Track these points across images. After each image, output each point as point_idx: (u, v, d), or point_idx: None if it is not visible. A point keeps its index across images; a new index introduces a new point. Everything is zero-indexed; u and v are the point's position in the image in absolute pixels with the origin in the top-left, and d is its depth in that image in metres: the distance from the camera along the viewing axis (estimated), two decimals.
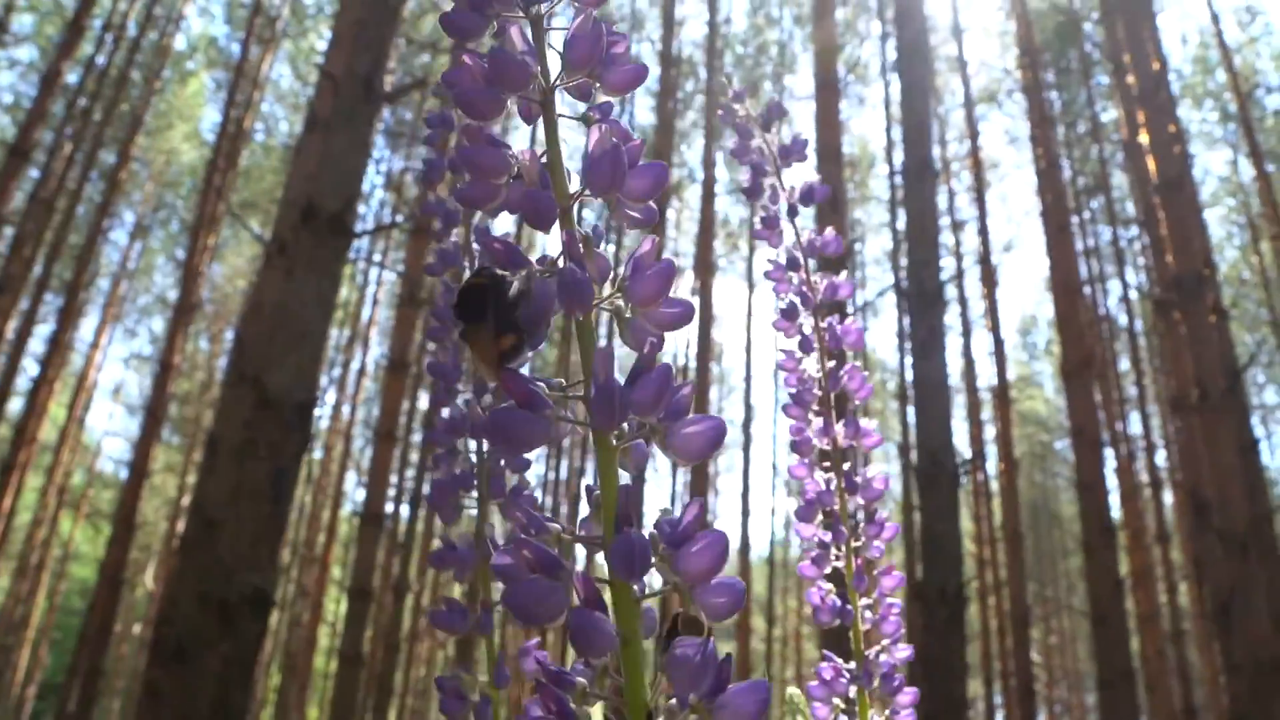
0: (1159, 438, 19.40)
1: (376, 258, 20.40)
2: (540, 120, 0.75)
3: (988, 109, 21.64)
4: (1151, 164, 7.98)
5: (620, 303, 0.73)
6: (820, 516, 1.47)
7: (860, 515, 1.46)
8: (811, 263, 1.55)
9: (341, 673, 11.08)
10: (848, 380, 1.50)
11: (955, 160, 21.81)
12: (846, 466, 1.43)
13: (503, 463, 1.47)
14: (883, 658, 1.18)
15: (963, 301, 19.14)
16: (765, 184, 1.60)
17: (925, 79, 9.95)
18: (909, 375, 17.08)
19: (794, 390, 1.50)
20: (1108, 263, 19.71)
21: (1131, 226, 19.26)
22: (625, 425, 0.69)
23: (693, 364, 18.36)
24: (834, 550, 1.40)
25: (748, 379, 23.75)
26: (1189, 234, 7.99)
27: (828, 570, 1.35)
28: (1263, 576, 6.11)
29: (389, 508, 15.38)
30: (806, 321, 1.49)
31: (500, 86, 0.74)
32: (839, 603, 1.32)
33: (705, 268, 17.91)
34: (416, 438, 17.15)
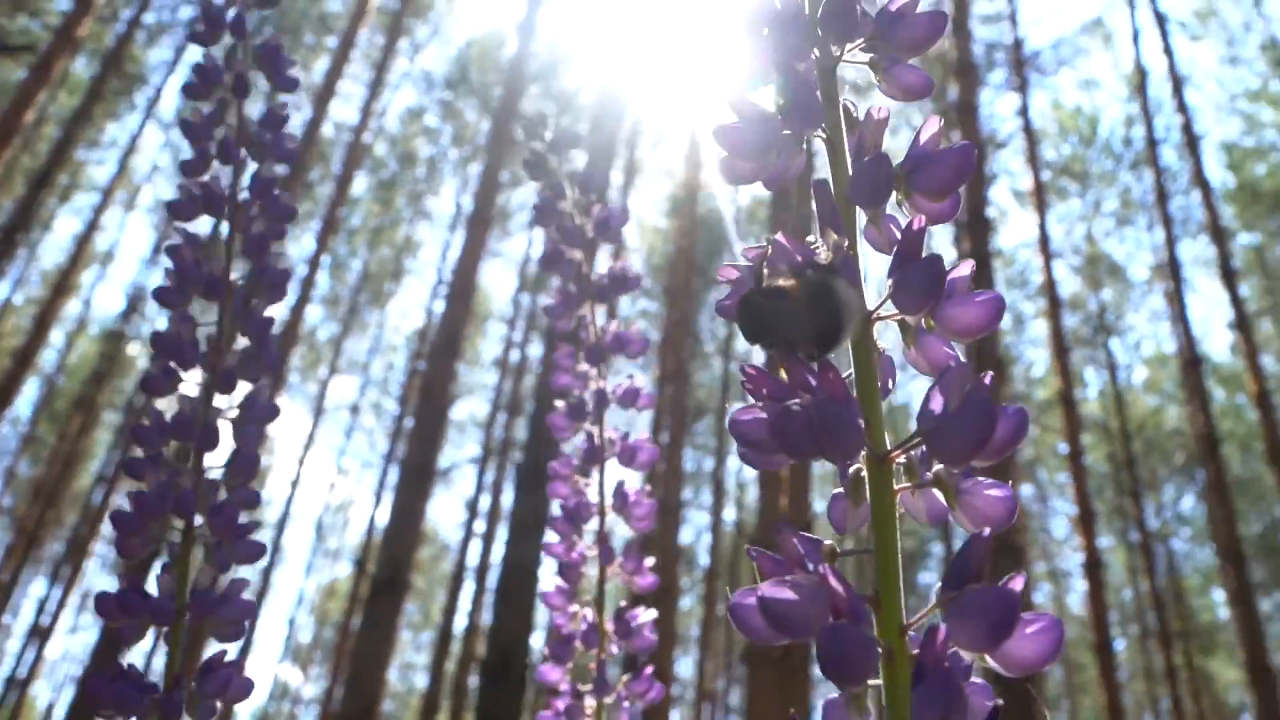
0: (720, 683, 20.61)
1: None
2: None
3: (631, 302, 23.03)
4: None
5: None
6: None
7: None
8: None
9: None
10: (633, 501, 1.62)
11: None
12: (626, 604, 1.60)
13: (223, 493, 1.23)
14: None
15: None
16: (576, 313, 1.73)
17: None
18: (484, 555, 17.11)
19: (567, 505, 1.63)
20: (705, 489, 21.17)
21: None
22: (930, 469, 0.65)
23: None
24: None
25: (284, 519, 22.77)
26: (803, 476, 8.73)
27: None
28: None
29: None
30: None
31: None
32: None
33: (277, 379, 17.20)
34: None
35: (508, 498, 20.25)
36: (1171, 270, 17.16)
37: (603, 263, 1.75)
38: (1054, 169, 23.26)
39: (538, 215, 1.75)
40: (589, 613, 1.57)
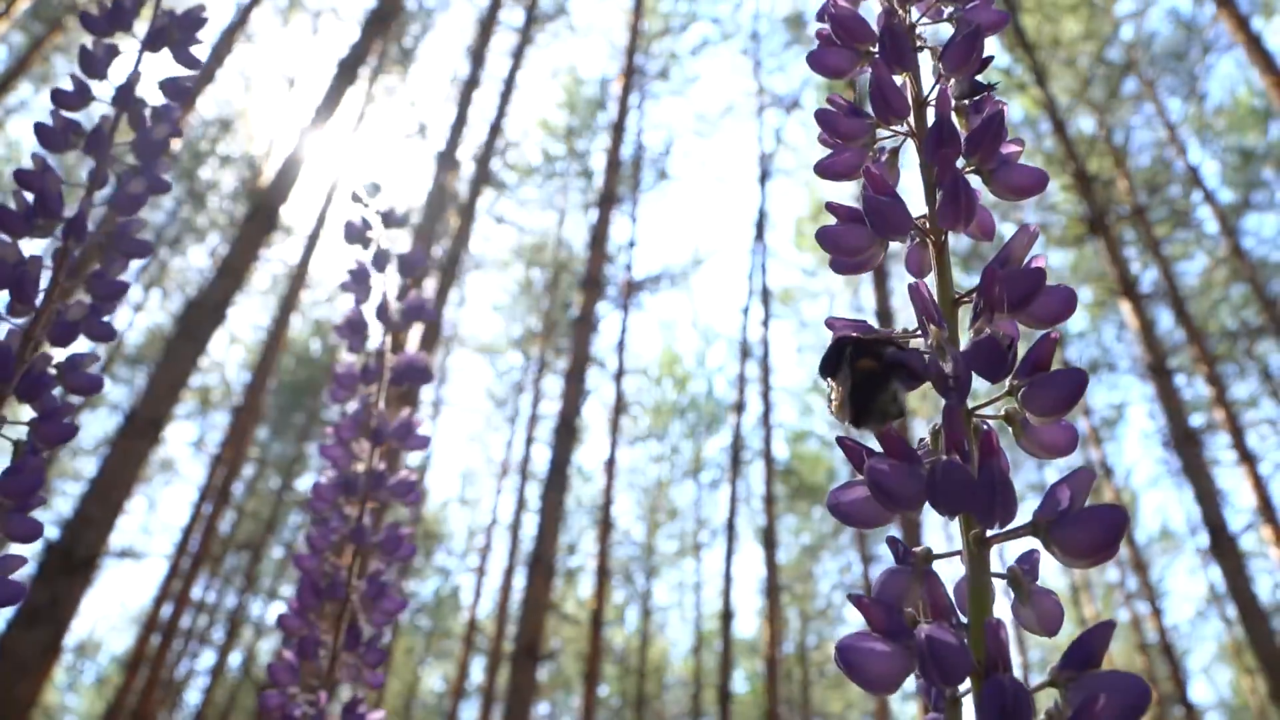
0: None
1: None
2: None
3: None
4: None
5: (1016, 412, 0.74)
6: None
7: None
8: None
9: None
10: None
11: None
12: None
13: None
14: None
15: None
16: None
17: None
18: None
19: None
20: None
21: None
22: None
23: None
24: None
25: None
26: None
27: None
28: None
29: None
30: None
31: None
32: None
33: None
34: None
35: None
36: (729, 529, 18.27)
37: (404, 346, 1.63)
38: (641, 405, 24.34)
39: (349, 281, 1.64)
40: (322, 697, 1.41)
